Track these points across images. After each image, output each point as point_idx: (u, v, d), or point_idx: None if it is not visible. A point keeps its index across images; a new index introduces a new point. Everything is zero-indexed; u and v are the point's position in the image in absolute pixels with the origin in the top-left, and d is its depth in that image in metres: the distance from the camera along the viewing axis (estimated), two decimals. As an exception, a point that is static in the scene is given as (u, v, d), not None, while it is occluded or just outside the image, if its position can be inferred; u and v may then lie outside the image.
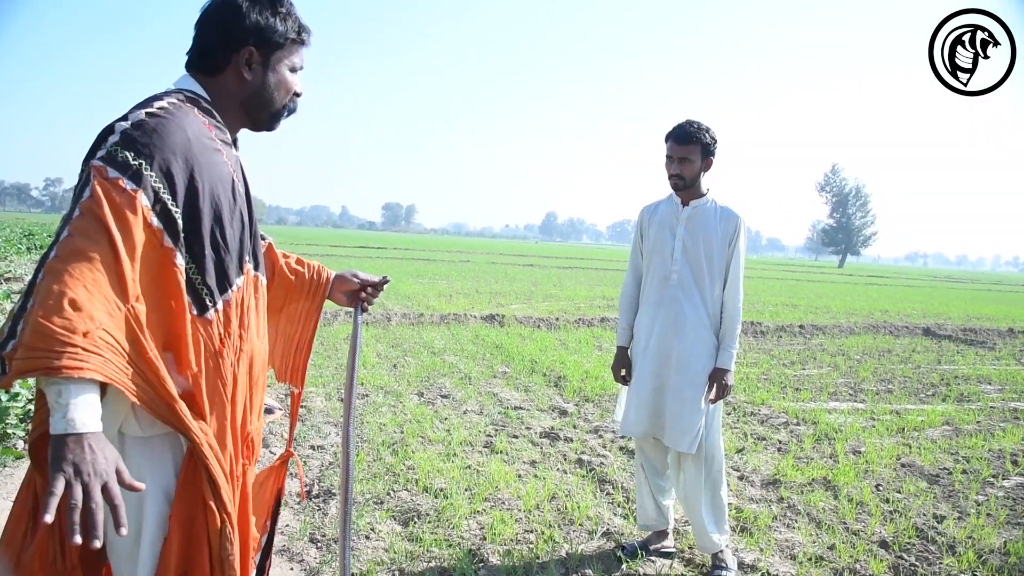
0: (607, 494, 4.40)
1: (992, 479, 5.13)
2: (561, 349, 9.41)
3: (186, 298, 1.50)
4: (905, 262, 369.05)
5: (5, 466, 4.18)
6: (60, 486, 1.19)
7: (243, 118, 1.76)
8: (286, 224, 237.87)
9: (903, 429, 6.39)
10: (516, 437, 5.39)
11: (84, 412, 1.24)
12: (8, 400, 4.74)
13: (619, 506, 4.23)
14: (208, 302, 1.56)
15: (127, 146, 1.41)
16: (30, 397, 4.98)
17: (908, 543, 3.96)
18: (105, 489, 1.23)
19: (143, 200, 1.40)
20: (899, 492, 4.75)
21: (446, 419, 5.75)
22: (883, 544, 3.93)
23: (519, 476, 4.57)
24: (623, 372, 3.63)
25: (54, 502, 1.17)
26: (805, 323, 14.17)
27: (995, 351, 12.32)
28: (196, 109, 1.61)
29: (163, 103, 1.53)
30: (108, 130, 1.44)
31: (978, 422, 6.86)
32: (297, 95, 1.82)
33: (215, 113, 1.68)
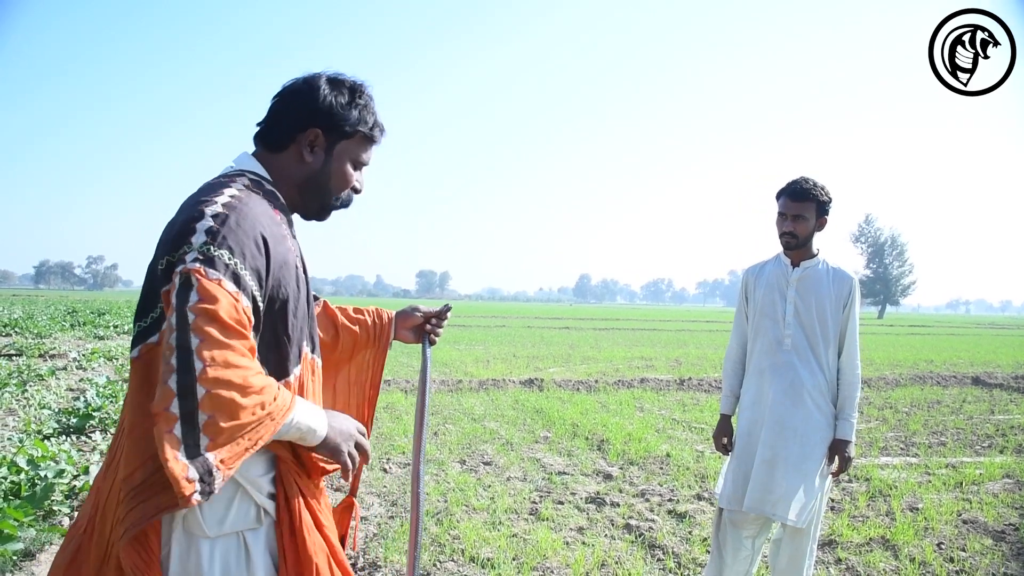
0: (658, 560, 4.28)
1: (1060, 534, 4.92)
2: (602, 412, 9.30)
3: None
4: (947, 310, 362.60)
5: (51, 543, 4.17)
6: (351, 463, 1.62)
7: (296, 202, 1.73)
8: (322, 294, 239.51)
9: (961, 483, 6.18)
10: (561, 503, 5.29)
11: (312, 420, 1.52)
12: (54, 477, 4.77)
13: (671, 572, 4.10)
14: None
15: (218, 244, 1.39)
16: (75, 473, 5.01)
17: (977, 604, 3.79)
18: (357, 445, 1.65)
19: (244, 301, 1.40)
20: (963, 551, 4.56)
21: (489, 487, 5.67)
22: (951, 606, 3.76)
23: (567, 543, 4.47)
24: (724, 441, 3.49)
25: (354, 475, 1.80)
26: (849, 376, 13.86)
27: (1050, 399, 11.96)
28: (261, 193, 1.59)
29: (233, 191, 1.51)
30: (188, 227, 1.41)
31: (1039, 473, 6.62)
32: (355, 191, 1.80)
33: (278, 195, 1.67)
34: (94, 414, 7.13)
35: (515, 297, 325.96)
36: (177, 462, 1.27)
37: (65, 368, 11.93)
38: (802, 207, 3.17)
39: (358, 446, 1.64)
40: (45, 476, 4.74)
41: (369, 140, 1.76)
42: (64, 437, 6.65)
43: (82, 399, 7.58)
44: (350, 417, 1.66)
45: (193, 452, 1.29)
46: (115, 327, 21.94)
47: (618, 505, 5.26)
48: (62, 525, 4.36)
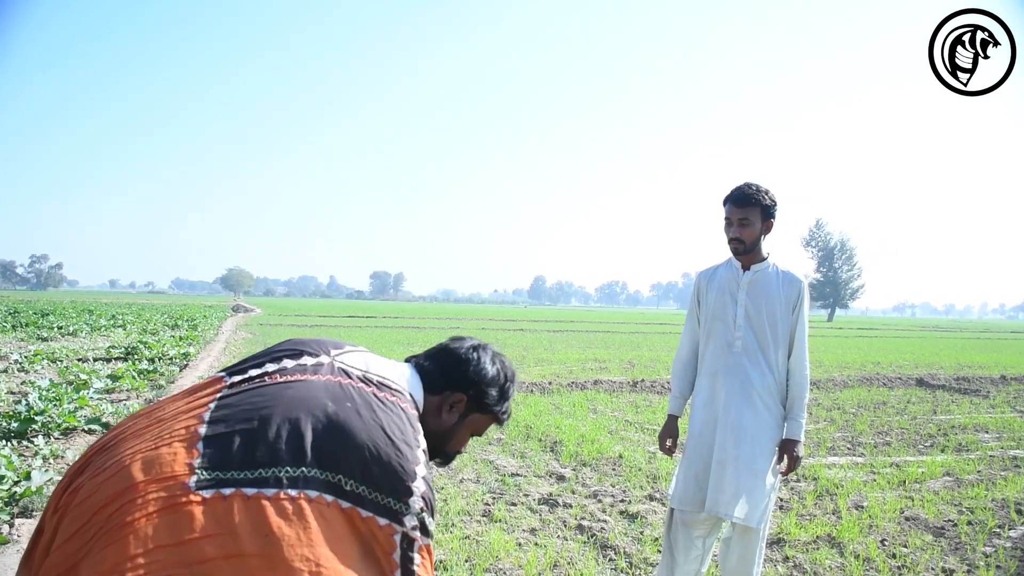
0: (610, 560, 4.31)
1: (998, 530, 5.06)
2: (556, 413, 9.34)
3: None
4: (894, 313, 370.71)
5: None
6: None
7: None
8: (274, 295, 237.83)
9: (904, 482, 6.33)
10: (514, 505, 5.30)
11: None
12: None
13: (623, 572, 4.14)
14: None
15: (431, 511, 1.62)
16: (15, 479, 4.89)
17: (918, 599, 3.88)
18: None
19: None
20: (905, 547, 4.67)
21: (442, 489, 5.65)
22: (893, 601, 3.85)
23: (519, 545, 4.48)
24: (669, 443, 3.52)
25: None
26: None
27: (989, 399, 12.31)
28: (422, 432, 1.77)
29: (416, 430, 1.72)
30: (404, 485, 1.58)
31: (979, 472, 6.80)
32: (459, 452, 2.07)
33: (420, 428, 1.79)
34: (36, 418, 6.95)
35: (470, 299, 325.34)
36: None
37: (6, 370, 11.63)
38: (747, 212, 3.22)
39: None
40: (-16, 482, 4.61)
41: (496, 421, 2.06)
42: (4, 442, 6.48)
43: (23, 402, 7.38)
44: None
45: None
46: (59, 328, 21.41)
47: (571, 506, 5.29)
48: (2, 533, 4.25)
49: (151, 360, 13.26)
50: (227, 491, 1.44)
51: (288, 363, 1.76)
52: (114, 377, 10.28)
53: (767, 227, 3.27)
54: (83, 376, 10.24)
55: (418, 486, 1.60)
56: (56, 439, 6.89)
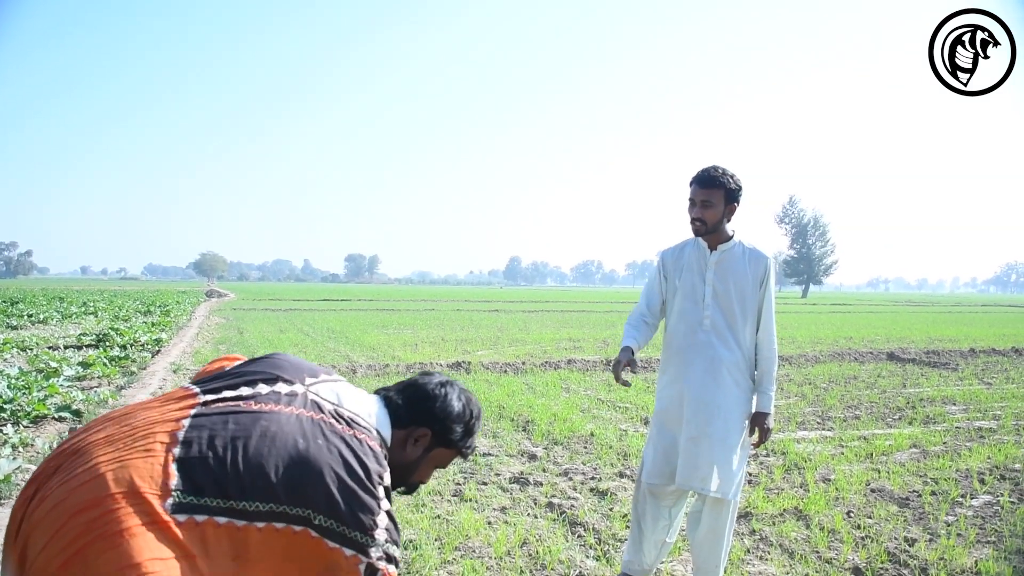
0: (579, 536, 4.35)
1: (961, 499, 5.15)
2: (528, 393, 9.36)
3: None
4: (867, 288, 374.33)
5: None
6: None
7: None
8: (248, 280, 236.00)
9: (871, 454, 6.42)
10: (485, 484, 5.32)
11: None
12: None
13: (591, 548, 4.17)
14: None
15: (394, 543, 1.73)
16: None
17: (881, 568, 3.95)
18: None
19: None
20: (870, 518, 4.75)
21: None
22: (856, 571, 3.91)
23: (489, 523, 4.50)
24: (624, 373, 3.31)
25: None
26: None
27: (958, 372, 12.50)
28: (388, 471, 1.85)
29: (382, 467, 1.80)
30: (368, 519, 1.69)
31: (944, 443, 6.91)
32: (423, 483, 2.15)
33: (386, 465, 1.86)
34: (5, 406, 6.88)
35: (445, 280, 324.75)
36: None
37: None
38: (710, 194, 3.26)
39: None
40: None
41: (460, 456, 2.13)
42: (-29, 430, 6.41)
43: (-8, 391, 7.30)
44: None
45: None
46: (29, 316, 21.16)
47: (541, 484, 5.32)
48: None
49: (123, 347, 13.13)
50: (200, 518, 1.55)
51: (263, 388, 1.83)
52: (85, 364, 10.20)
53: (730, 210, 3.31)
54: (53, 364, 10.14)
55: (381, 520, 1.71)
56: (25, 427, 6.83)
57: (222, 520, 1.57)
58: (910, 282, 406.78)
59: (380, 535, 1.69)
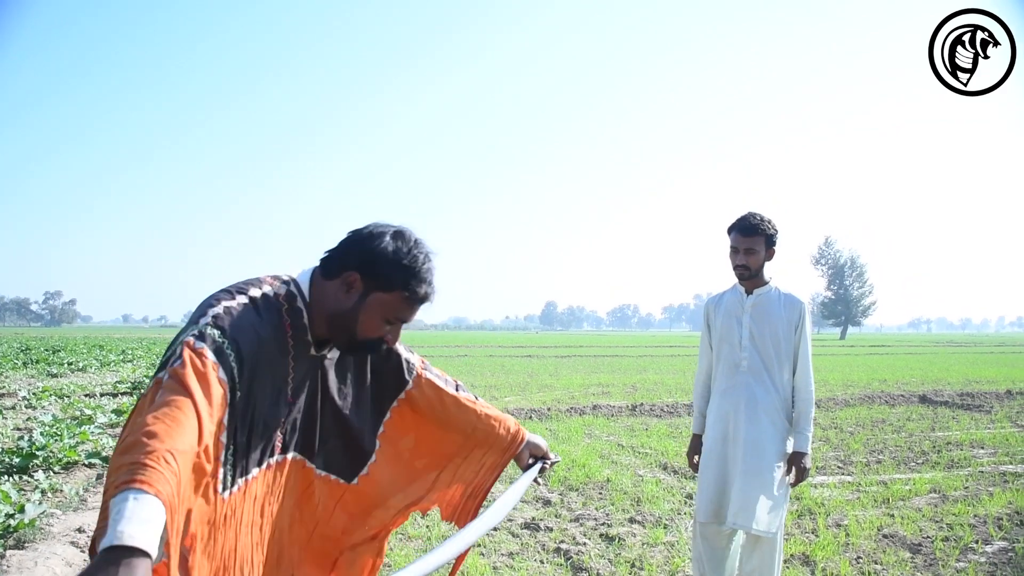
0: (583, 582, 4.39)
1: (974, 545, 5.11)
2: (551, 439, 9.40)
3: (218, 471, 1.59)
4: (909, 329, 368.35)
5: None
6: None
7: (327, 329, 1.85)
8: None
9: (888, 499, 6.38)
10: (496, 529, 5.38)
11: (135, 527, 1.14)
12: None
13: (594, 594, 4.21)
14: (226, 482, 1.63)
15: (216, 325, 1.58)
16: (10, 512, 5.01)
17: (883, 615, 3.94)
18: None
19: (221, 373, 1.54)
20: (878, 563, 4.74)
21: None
22: (858, 617, 3.91)
23: (494, 568, 4.57)
24: (696, 459, 3.73)
25: None
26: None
27: (991, 414, 12.30)
28: (285, 306, 1.78)
29: (257, 294, 1.74)
30: (202, 311, 1.62)
31: (965, 487, 6.84)
32: (383, 342, 1.90)
33: (304, 314, 1.82)
34: (38, 453, 7.10)
35: (481, 325, 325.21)
36: None
37: (14, 407, 11.82)
38: (752, 241, 3.44)
39: None
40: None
41: (409, 300, 1.86)
42: (6, 477, 6.62)
43: (26, 438, 7.54)
44: None
45: None
46: (69, 364, 21.68)
47: (551, 530, 5.37)
48: (-5, 565, 4.37)
49: (156, 394, 13.36)
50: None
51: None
52: (119, 412, 10.45)
53: (770, 254, 3.50)
54: (87, 411, 10.41)
55: (215, 308, 1.63)
56: (56, 473, 7.03)
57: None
58: (953, 321, 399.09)
59: (203, 320, 1.59)
